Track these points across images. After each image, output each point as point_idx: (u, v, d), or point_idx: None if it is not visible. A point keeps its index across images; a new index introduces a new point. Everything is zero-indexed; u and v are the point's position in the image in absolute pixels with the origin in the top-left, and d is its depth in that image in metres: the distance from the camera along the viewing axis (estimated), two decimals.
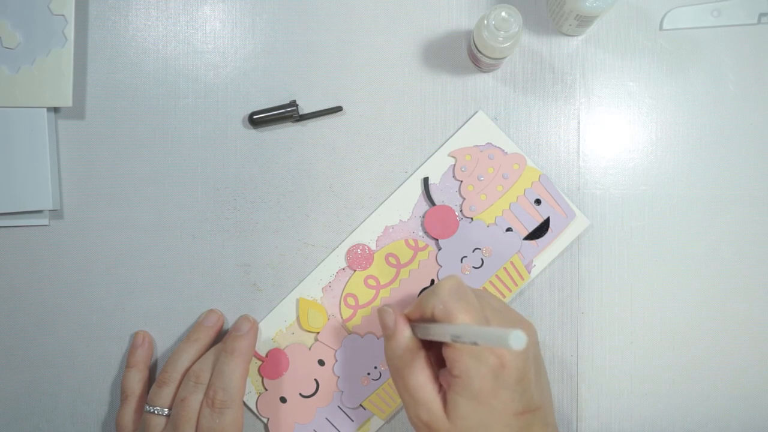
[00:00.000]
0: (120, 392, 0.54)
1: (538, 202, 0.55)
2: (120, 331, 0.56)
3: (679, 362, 0.56)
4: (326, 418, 0.55)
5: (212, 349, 0.53)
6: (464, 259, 0.55)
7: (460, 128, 0.56)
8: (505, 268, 0.55)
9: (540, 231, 0.55)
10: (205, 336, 0.54)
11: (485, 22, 0.49)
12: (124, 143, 0.56)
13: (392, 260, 0.55)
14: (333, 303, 0.56)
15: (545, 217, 0.55)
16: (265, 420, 0.56)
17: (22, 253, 0.56)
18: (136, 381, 0.54)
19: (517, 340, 0.34)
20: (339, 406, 0.55)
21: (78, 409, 0.57)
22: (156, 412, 0.51)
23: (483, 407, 0.43)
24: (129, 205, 0.56)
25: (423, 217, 0.55)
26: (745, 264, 0.56)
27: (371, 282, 0.55)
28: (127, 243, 0.56)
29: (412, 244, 0.55)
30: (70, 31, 0.54)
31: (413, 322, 0.47)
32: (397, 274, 0.55)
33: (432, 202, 0.55)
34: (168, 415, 0.51)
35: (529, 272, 0.55)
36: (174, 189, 0.56)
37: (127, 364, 0.55)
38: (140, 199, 0.56)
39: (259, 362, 0.56)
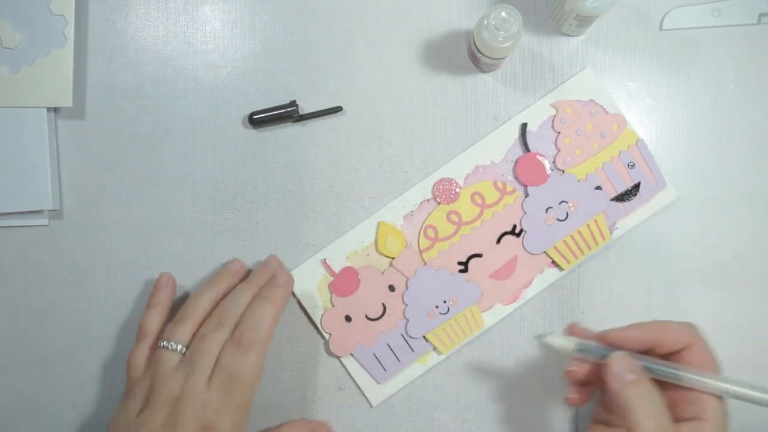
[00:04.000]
0: (136, 331, 0.53)
1: (631, 165, 0.55)
2: (120, 331, 0.56)
3: None
4: (387, 344, 0.55)
5: (237, 291, 0.52)
6: (549, 210, 0.55)
7: (565, 81, 0.56)
8: (588, 225, 0.55)
9: (628, 194, 0.55)
10: (227, 282, 0.53)
11: (485, 22, 0.49)
12: (124, 143, 0.56)
13: (478, 199, 0.55)
14: (412, 232, 0.56)
15: (636, 182, 0.55)
16: (327, 336, 0.56)
17: (22, 253, 0.56)
18: (155, 322, 0.52)
19: None
20: (402, 334, 0.55)
21: (78, 409, 0.57)
22: (170, 347, 0.50)
23: None
24: (129, 205, 0.56)
25: (515, 162, 0.55)
26: (745, 264, 0.56)
27: (453, 218, 0.55)
28: (127, 243, 0.56)
29: (501, 186, 0.55)
30: (70, 31, 0.54)
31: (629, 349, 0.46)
32: (481, 213, 0.55)
33: (527, 149, 0.55)
34: (183, 353, 0.50)
35: (611, 233, 0.55)
36: (174, 189, 0.56)
37: (148, 304, 0.53)
38: (140, 199, 0.56)
39: (331, 277, 0.55)
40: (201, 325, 0.51)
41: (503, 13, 0.49)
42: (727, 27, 0.56)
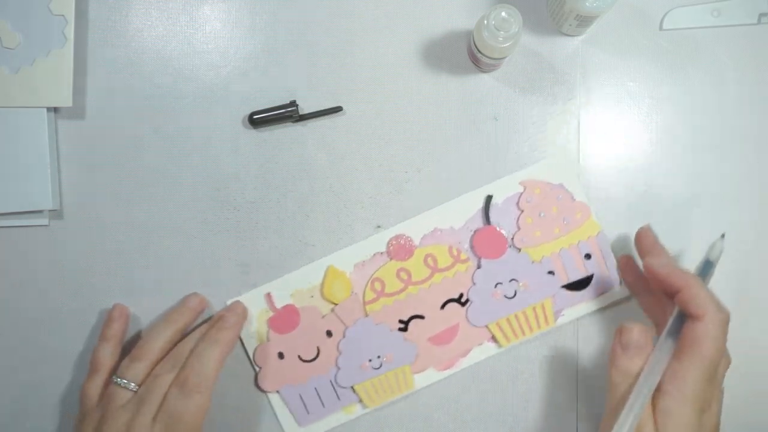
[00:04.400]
0: (89, 363, 0.53)
1: (588, 256, 0.55)
2: None
3: None
4: (315, 388, 0.55)
5: (196, 334, 0.53)
6: (498, 285, 0.55)
7: (539, 161, 0.55)
8: (534, 308, 0.55)
9: (580, 285, 0.55)
10: (184, 319, 0.54)
11: (485, 22, 0.49)
12: (124, 143, 0.56)
13: (430, 261, 0.55)
14: (360, 282, 0.55)
15: (590, 273, 0.55)
16: (257, 369, 0.56)
17: (22, 253, 0.56)
18: (108, 354, 0.53)
19: None
20: (331, 381, 0.55)
21: (78, 409, 0.56)
22: (123, 385, 0.50)
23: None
24: (129, 205, 0.56)
25: (474, 232, 0.55)
26: (745, 264, 0.56)
27: (403, 275, 0.55)
28: (127, 243, 0.56)
29: (455, 253, 0.55)
30: (70, 31, 0.54)
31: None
32: (431, 276, 0.55)
33: (488, 221, 0.55)
34: (135, 391, 0.50)
35: (556, 320, 0.55)
36: (174, 189, 0.56)
37: (101, 336, 0.54)
38: (140, 199, 0.56)
39: (272, 312, 0.55)
40: (155, 363, 0.52)
41: (503, 13, 0.49)
42: (727, 27, 0.56)
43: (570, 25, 0.53)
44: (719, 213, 0.56)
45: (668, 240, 0.56)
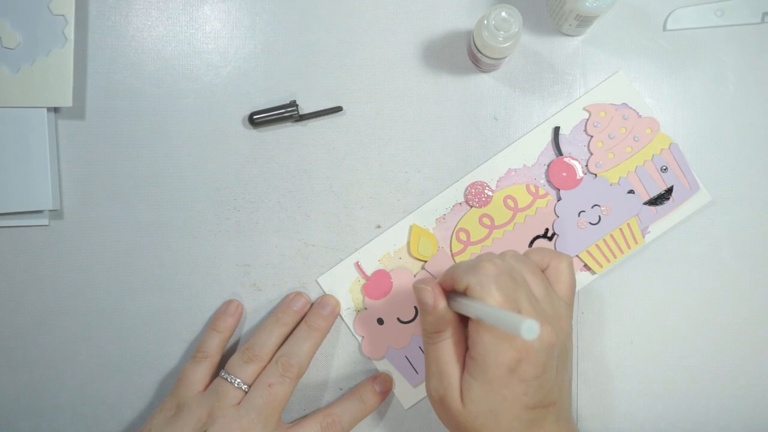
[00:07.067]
0: (196, 349, 0.54)
1: (664, 169, 0.55)
2: (120, 331, 0.57)
3: (679, 362, 0.56)
4: (419, 347, 0.56)
5: (299, 339, 0.54)
6: (582, 214, 0.55)
7: (597, 85, 0.56)
8: (620, 229, 0.55)
9: (661, 198, 0.55)
10: (292, 320, 0.55)
11: (485, 22, 0.49)
12: (124, 143, 0.56)
13: (510, 203, 0.55)
14: (445, 235, 0.56)
15: (669, 186, 0.55)
16: (359, 339, 0.56)
17: (22, 253, 0.56)
18: (216, 345, 0.54)
19: (529, 330, 0.35)
20: None
21: (78, 410, 0.57)
22: (237, 385, 0.51)
23: (494, 395, 0.43)
24: (129, 205, 0.56)
25: (548, 165, 0.55)
26: (745, 264, 0.56)
27: (486, 221, 0.55)
28: (127, 243, 0.56)
29: (533, 190, 0.56)
30: (70, 31, 0.54)
31: (446, 291, 0.47)
32: (513, 217, 0.55)
33: (559, 152, 0.55)
34: (245, 391, 0.52)
35: (644, 237, 0.55)
36: (174, 189, 0.56)
37: (212, 326, 0.55)
38: (140, 199, 0.56)
39: (364, 280, 0.56)
40: (266, 364, 0.53)
41: (503, 13, 0.49)
42: (730, 27, 0.56)
43: (570, 25, 0.53)
44: (719, 213, 0.56)
45: (668, 240, 0.56)
